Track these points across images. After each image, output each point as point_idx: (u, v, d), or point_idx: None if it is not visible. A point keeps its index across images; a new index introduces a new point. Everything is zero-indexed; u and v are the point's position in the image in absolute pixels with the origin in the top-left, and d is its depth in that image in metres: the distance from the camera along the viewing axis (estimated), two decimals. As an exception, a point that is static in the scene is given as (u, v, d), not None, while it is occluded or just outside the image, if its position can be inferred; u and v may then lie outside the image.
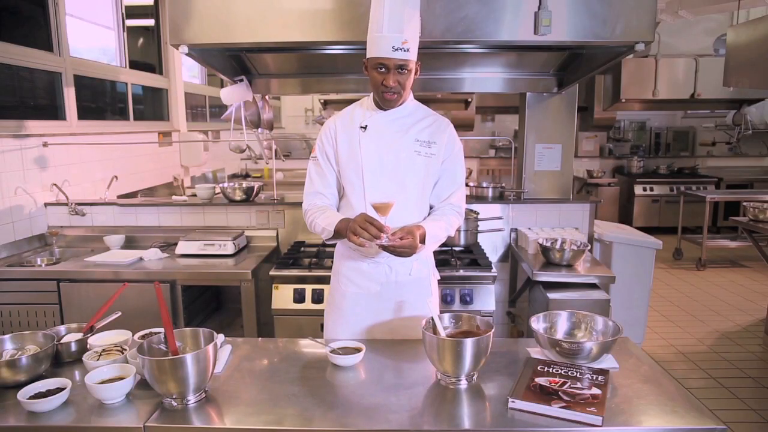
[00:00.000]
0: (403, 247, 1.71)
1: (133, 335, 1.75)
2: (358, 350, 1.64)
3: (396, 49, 1.70)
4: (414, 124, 1.89)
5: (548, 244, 2.85)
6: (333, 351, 1.63)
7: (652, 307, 4.66)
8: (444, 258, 2.88)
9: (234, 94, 3.08)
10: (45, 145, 3.46)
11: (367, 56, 1.78)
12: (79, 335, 1.73)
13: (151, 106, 5.27)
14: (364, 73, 1.84)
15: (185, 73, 5.80)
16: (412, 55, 1.75)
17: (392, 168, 1.86)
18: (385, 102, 1.83)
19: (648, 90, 6.44)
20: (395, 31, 1.69)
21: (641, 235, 3.74)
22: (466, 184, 3.85)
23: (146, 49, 5.33)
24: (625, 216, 7.79)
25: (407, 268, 1.94)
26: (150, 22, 5.31)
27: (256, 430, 1.30)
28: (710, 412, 1.32)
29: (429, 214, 1.97)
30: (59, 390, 1.40)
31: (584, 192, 7.76)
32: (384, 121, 1.87)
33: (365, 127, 1.87)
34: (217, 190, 3.64)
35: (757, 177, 7.98)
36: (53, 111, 3.81)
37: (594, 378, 1.44)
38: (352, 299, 1.96)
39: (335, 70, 3.20)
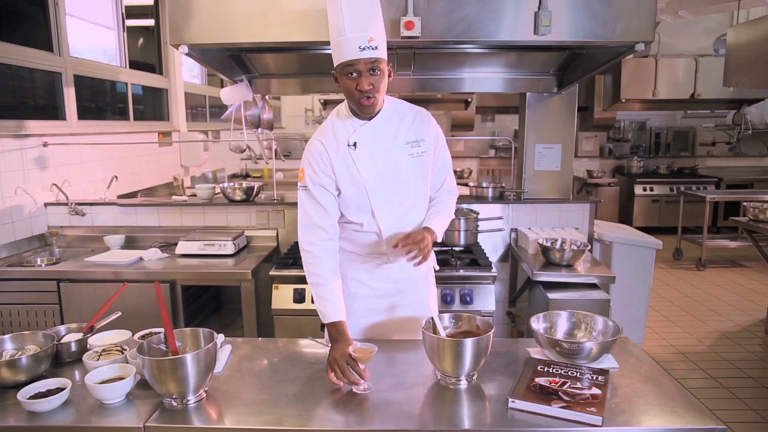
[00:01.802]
0: (427, 249, 1.74)
1: (133, 335, 1.75)
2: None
3: (363, 49, 1.59)
4: (398, 126, 1.81)
5: (548, 244, 2.85)
6: None
7: (652, 307, 4.66)
8: (444, 258, 2.88)
9: (234, 94, 3.09)
10: (45, 145, 3.46)
11: (335, 64, 1.67)
12: (79, 335, 1.73)
13: (151, 106, 5.27)
14: (336, 85, 1.72)
15: (185, 73, 5.80)
16: (382, 54, 1.64)
17: (393, 178, 1.80)
18: (362, 110, 1.70)
19: (648, 90, 6.44)
20: (358, 30, 1.59)
21: (641, 235, 3.74)
22: (466, 184, 3.86)
23: (146, 49, 5.33)
24: (625, 216, 7.79)
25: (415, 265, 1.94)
26: (150, 22, 5.31)
27: (256, 430, 1.30)
28: (710, 412, 1.32)
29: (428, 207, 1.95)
30: (59, 390, 1.40)
31: (584, 192, 7.76)
32: (371, 133, 1.78)
33: (355, 144, 1.77)
34: (217, 190, 3.64)
35: (757, 177, 7.98)
36: (53, 111, 3.80)
37: (594, 378, 1.44)
38: (362, 301, 1.93)
39: (335, 70, 3.19)
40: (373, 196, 1.79)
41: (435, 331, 1.54)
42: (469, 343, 1.41)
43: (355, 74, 1.64)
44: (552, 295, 2.68)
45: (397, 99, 1.89)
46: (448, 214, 1.95)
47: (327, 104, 6.34)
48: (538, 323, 1.68)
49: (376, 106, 1.72)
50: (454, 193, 2.02)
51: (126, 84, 4.70)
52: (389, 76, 1.71)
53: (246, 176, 6.30)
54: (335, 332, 1.66)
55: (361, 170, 1.77)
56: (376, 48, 1.61)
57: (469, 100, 5.90)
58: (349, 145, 1.76)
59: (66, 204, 3.44)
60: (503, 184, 3.60)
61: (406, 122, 1.83)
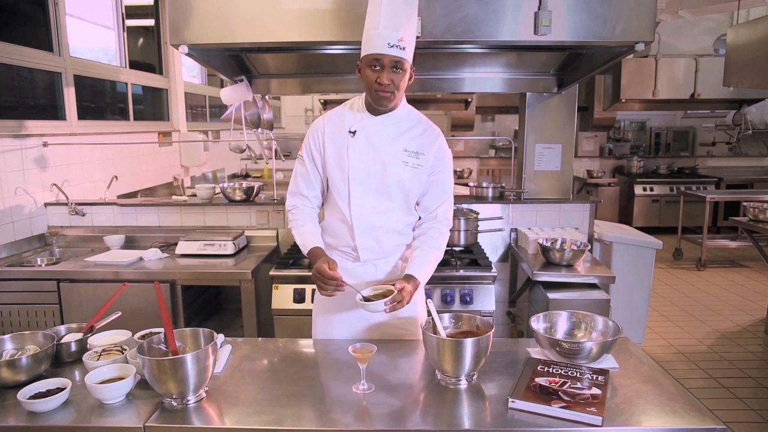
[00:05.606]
0: (402, 304, 1.71)
1: (133, 335, 1.75)
2: (388, 293, 1.68)
3: (392, 46, 1.68)
4: (404, 132, 1.85)
5: (548, 244, 2.85)
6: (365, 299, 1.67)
7: (652, 307, 4.66)
8: (444, 258, 2.85)
9: (234, 94, 3.08)
10: (45, 145, 3.46)
11: (362, 54, 1.75)
12: (79, 335, 1.73)
13: (151, 106, 5.27)
14: (357, 75, 1.80)
15: (185, 73, 5.80)
16: (408, 55, 1.72)
17: (379, 177, 1.83)
18: (378, 101, 1.77)
19: (648, 90, 6.43)
20: (391, 28, 1.67)
21: (641, 235, 3.74)
22: (466, 184, 3.86)
23: (146, 49, 5.33)
24: (625, 216, 7.79)
25: (392, 266, 1.94)
26: (150, 22, 5.31)
27: (256, 430, 1.30)
28: (710, 412, 1.32)
29: (415, 238, 1.94)
30: (59, 390, 1.40)
31: (584, 192, 7.76)
32: (374, 127, 1.83)
33: (354, 132, 1.83)
34: (217, 190, 3.64)
35: (757, 177, 7.98)
36: (53, 111, 3.80)
37: (594, 378, 1.44)
38: (339, 298, 1.93)
39: (335, 70, 3.20)
40: (354, 187, 1.84)
41: (435, 331, 1.54)
42: (469, 343, 1.41)
43: (378, 67, 1.71)
44: (552, 295, 2.68)
45: (416, 110, 1.93)
46: (437, 256, 1.91)
47: (327, 104, 6.33)
48: (538, 323, 1.68)
49: (391, 102, 1.79)
50: (447, 223, 1.95)
51: (126, 84, 4.70)
52: (410, 78, 1.79)
53: (246, 176, 6.30)
54: (314, 255, 1.83)
55: (351, 158, 1.83)
56: (403, 49, 1.70)
57: (469, 100, 5.90)
58: (349, 132, 1.84)
59: (66, 204, 3.44)
60: (503, 184, 3.60)
61: (413, 132, 1.87)
